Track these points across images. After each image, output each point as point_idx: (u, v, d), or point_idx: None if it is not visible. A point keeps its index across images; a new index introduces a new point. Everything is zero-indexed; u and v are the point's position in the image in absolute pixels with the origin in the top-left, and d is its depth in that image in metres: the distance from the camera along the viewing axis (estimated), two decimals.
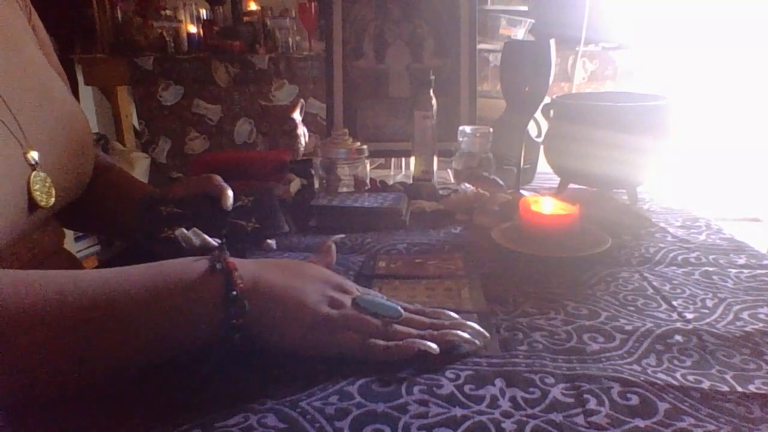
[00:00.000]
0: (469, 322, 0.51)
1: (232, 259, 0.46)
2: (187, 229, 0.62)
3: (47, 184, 0.59)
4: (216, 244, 0.67)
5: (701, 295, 0.61)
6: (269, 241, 0.71)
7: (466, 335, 0.49)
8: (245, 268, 0.47)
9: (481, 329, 0.51)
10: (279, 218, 0.71)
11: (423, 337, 0.48)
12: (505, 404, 0.43)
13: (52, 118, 0.63)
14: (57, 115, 0.64)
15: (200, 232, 0.64)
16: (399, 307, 0.51)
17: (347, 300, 0.49)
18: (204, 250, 0.65)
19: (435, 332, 0.49)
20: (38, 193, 0.57)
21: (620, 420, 0.41)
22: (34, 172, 0.57)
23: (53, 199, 0.59)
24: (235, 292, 0.44)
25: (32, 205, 0.57)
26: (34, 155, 0.57)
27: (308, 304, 0.47)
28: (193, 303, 0.44)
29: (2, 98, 0.55)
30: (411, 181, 1.04)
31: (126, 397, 0.44)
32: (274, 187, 0.73)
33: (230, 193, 0.69)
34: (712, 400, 0.43)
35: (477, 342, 0.50)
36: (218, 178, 0.71)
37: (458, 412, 0.42)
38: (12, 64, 0.60)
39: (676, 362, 0.48)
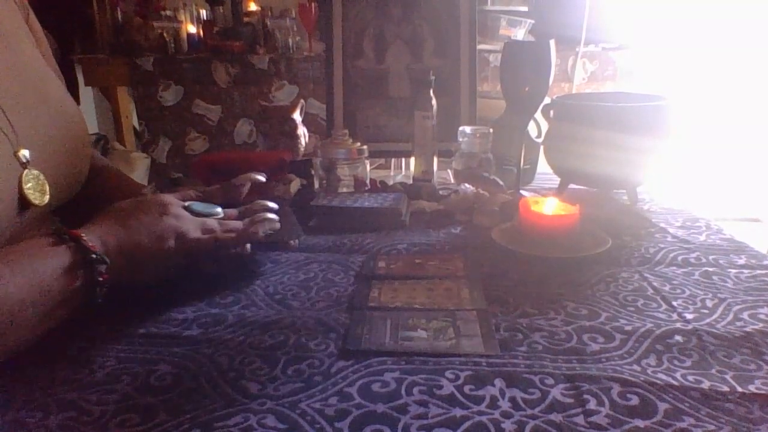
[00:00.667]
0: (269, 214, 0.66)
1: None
2: None
3: (41, 182, 0.58)
4: (249, 249, 0.67)
5: (701, 296, 0.61)
6: (291, 241, 0.72)
7: (271, 216, 0.65)
8: (91, 232, 0.53)
9: (274, 216, 0.66)
10: (294, 223, 0.73)
11: (244, 225, 0.64)
12: (504, 405, 0.43)
13: (46, 116, 0.63)
14: (52, 113, 0.64)
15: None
16: (220, 208, 0.65)
17: (183, 212, 0.61)
18: (238, 255, 0.66)
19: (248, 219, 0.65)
20: (31, 191, 0.57)
21: (620, 420, 0.41)
22: (26, 170, 0.57)
23: (48, 197, 0.59)
24: (94, 255, 0.50)
25: (24, 203, 0.57)
26: (25, 153, 0.57)
27: (156, 228, 0.57)
28: (53, 264, 0.48)
29: None
30: (411, 181, 1.04)
31: (126, 397, 0.44)
32: (278, 188, 0.75)
33: (246, 180, 0.72)
34: (712, 400, 0.43)
35: (275, 220, 0.66)
36: (226, 185, 0.70)
37: (458, 412, 0.42)
38: (6, 62, 0.60)
39: (676, 362, 0.48)
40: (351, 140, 0.99)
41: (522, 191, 0.97)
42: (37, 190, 0.58)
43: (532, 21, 2.33)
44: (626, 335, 0.53)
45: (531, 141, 1.02)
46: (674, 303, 0.59)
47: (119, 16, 2.46)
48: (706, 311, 0.57)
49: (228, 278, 0.66)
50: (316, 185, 0.98)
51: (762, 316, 0.56)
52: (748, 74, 2.26)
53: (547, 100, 1.01)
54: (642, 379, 0.46)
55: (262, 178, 0.70)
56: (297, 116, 1.08)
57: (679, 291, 0.62)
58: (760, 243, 0.81)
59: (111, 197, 0.73)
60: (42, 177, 0.59)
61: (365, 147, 0.98)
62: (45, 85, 0.65)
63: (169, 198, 0.61)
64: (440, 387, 0.45)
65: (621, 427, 0.40)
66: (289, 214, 0.75)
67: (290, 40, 2.38)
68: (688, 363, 0.48)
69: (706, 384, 0.45)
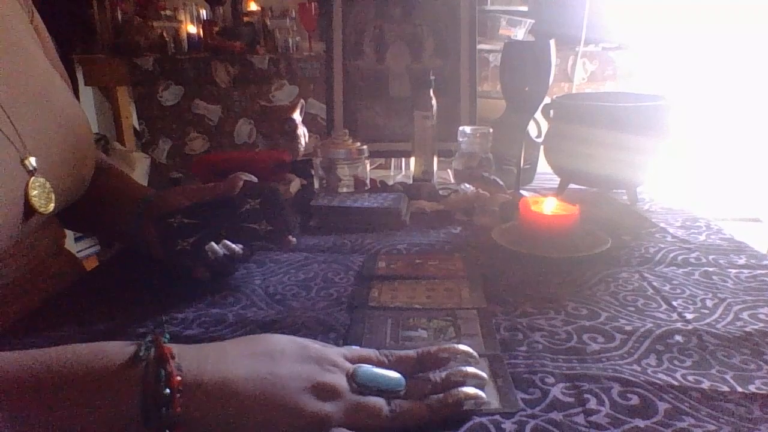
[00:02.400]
0: (470, 368, 0.44)
1: (171, 346, 0.36)
2: (202, 239, 0.63)
3: (46, 190, 0.58)
4: (241, 251, 0.67)
5: (701, 295, 0.61)
6: (291, 238, 0.68)
7: (472, 391, 0.42)
8: (188, 355, 0.36)
9: (481, 373, 0.44)
10: (289, 218, 0.70)
11: (431, 408, 0.40)
12: None
13: (51, 122, 0.62)
14: (57, 118, 0.63)
15: (228, 243, 0.66)
16: (401, 376, 0.41)
17: (341, 380, 0.38)
18: (229, 259, 0.66)
19: (440, 396, 0.41)
20: (36, 198, 0.57)
21: (620, 420, 0.41)
22: (33, 178, 0.56)
23: (53, 205, 0.59)
24: (168, 390, 0.33)
25: (29, 211, 0.56)
26: (32, 161, 0.57)
27: (288, 401, 0.35)
28: (105, 401, 0.34)
29: (0, 104, 0.55)
30: (411, 181, 1.04)
31: None
32: (278, 187, 0.72)
33: (239, 179, 0.66)
34: (712, 400, 0.43)
35: (483, 395, 0.42)
36: (219, 184, 0.68)
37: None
38: (12, 67, 0.59)
39: (676, 362, 0.48)
40: (351, 140, 0.99)
41: (522, 191, 0.97)
42: (43, 198, 0.58)
43: (532, 21, 2.33)
44: (626, 335, 0.53)
45: (531, 141, 1.02)
46: (674, 303, 0.59)
47: (119, 16, 2.46)
48: (706, 311, 0.57)
49: (228, 278, 0.66)
50: (316, 185, 0.98)
51: (762, 316, 0.56)
52: (748, 74, 2.26)
53: (547, 100, 1.01)
54: (642, 379, 0.46)
55: (253, 178, 0.69)
56: (297, 116, 1.08)
57: (679, 291, 0.62)
58: (760, 243, 0.81)
59: (112, 200, 0.73)
60: (48, 185, 0.58)
61: (365, 147, 0.98)
62: (51, 91, 0.65)
63: (334, 357, 0.40)
64: None
65: (621, 426, 0.40)
66: (284, 209, 0.70)
67: (290, 40, 2.38)
68: (688, 363, 0.48)
69: (706, 384, 0.45)
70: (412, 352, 0.44)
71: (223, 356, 0.37)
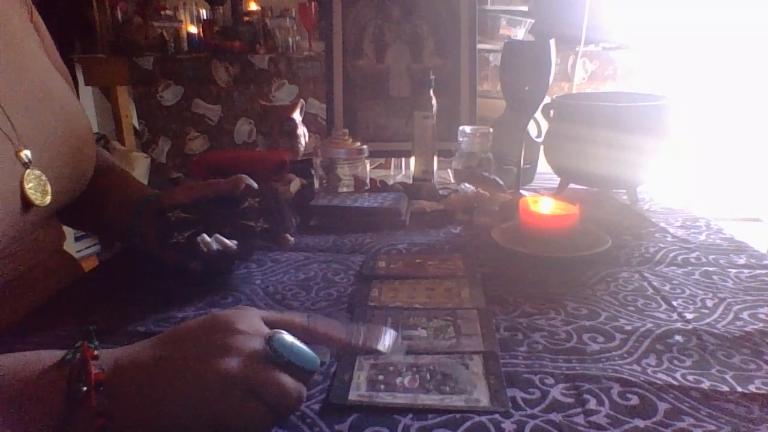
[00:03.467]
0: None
1: (95, 349, 0.37)
2: (197, 234, 0.62)
3: (42, 182, 0.58)
4: (235, 247, 0.67)
5: (701, 295, 0.61)
6: (289, 237, 0.67)
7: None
8: (109, 355, 0.37)
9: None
10: (287, 218, 0.69)
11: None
12: None
13: (49, 116, 0.62)
14: (55, 113, 0.64)
15: (221, 237, 0.65)
16: (317, 357, 0.39)
17: (251, 342, 0.38)
18: (222, 254, 0.65)
19: None
20: (32, 191, 0.57)
21: (620, 420, 0.41)
22: (28, 170, 0.56)
23: (49, 197, 0.59)
24: (84, 388, 0.35)
25: (26, 203, 0.56)
26: (27, 153, 0.57)
27: (194, 371, 0.36)
28: (31, 404, 0.35)
29: None
30: (411, 181, 1.04)
31: None
32: (278, 187, 0.71)
33: (242, 181, 0.66)
34: (712, 400, 0.43)
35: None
36: (222, 181, 0.67)
37: (458, 412, 0.42)
38: (9, 62, 0.59)
39: (676, 362, 0.48)
40: (351, 140, 0.99)
41: (522, 191, 0.97)
42: (39, 190, 0.58)
43: (532, 20, 2.33)
44: (626, 335, 0.53)
45: (531, 141, 1.02)
46: (674, 303, 0.59)
47: (119, 16, 2.46)
48: (706, 311, 0.57)
49: (228, 278, 0.66)
50: (316, 185, 0.98)
51: (762, 316, 0.56)
52: (749, 74, 2.26)
53: (547, 100, 1.01)
54: (642, 379, 0.46)
55: (254, 184, 0.69)
56: (297, 116, 1.08)
57: (679, 291, 0.62)
58: (760, 243, 0.81)
59: (114, 198, 0.73)
60: (44, 177, 0.58)
61: (365, 147, 0.98)
62: (48, 85, 0.65)
63: (245, 325, 0.39)
64: None
65: (621, 426, 0.40)
66: (282, 209, 0.69)
67: (290, 40, 2.38)
68: (688, 363, 0.48)
69: (706, 384, 0.45)
70: (342, 336, 0.44)
71: (140, 347, 0.39)
